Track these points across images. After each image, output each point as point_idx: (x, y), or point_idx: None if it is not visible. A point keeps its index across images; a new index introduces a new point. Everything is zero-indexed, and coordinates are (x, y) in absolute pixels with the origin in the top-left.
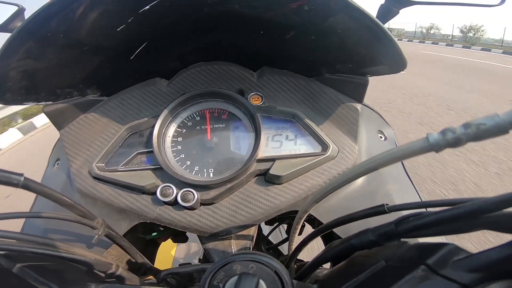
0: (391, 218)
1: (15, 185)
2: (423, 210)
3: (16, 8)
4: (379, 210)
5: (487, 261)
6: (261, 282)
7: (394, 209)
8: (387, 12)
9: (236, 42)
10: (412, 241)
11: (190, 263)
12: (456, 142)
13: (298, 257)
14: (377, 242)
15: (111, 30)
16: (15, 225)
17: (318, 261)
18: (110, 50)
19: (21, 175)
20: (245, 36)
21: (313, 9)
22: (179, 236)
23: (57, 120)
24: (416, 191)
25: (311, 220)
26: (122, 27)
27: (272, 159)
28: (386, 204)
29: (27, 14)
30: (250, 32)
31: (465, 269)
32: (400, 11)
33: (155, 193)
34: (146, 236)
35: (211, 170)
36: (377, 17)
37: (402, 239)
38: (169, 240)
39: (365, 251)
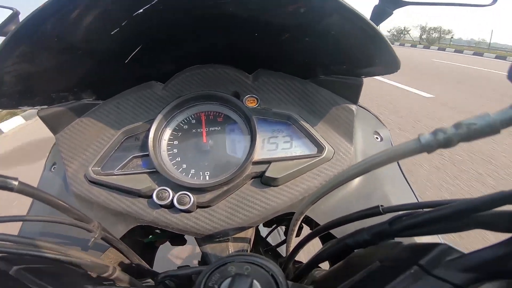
0: (386, 219)
1: (10, 189)
2: (418, 210)
3: (10, 11)
4: (374, 211)
5: (479, 261)
6: (255, 282)
7: (389, 210)
8: (381, 13)
9: (231, 44)
10: (407, 241)
11: (188, 266)
12: (447, 143)
13: (297, 259)
14: (372, 242)
15: (105, 34)
16: (12, 230)
17: (315, 261)
18: (104, 53)
19: (16, 179)
20: (240, 39)
21: (309, 11)
22: (177, 239)
23: (53, 124)
24: (413, 191)
25: (309, 222)
26: (116, 30)
27: (268, 162)
28: (381, 206)
29: (22, 18)
30: (245, 35)
31: (458, 269)
32: (393, 12)
33: (151, 197)
34: (144, 239)
35: (207, 173)
36: (371, 18)
37: (397, 239)
38: (168, 243)
39: (361, 251)
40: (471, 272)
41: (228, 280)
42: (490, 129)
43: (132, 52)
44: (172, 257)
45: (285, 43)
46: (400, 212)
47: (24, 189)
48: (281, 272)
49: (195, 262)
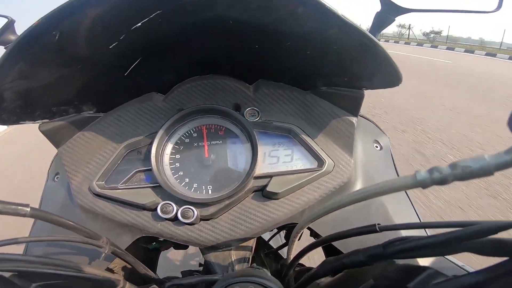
0: (383, 236)
1: (23, 215)
2: (412, 231)
3: (5, 20)
4: (371, 229)
5: (463, 285)
6: None
7: (385, 229)
8: (382, 20)
9: (231, 55)
10: (400, 260)
11: (191, 270)
12: (442, 181)
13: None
14: (366, 263)
15: (104, 48)
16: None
17: (313, 276)
18: (104, 67)
19: (27, 205)
20: (240, 49)
21: (308, 17)
22: (180, 245)
23: (55, 138)
24: (411, 202)
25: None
26: (114, 44)
27: (269, 176)
28: (378, 224)
29: (17, 26)
30: (245, 45)
31: None
32: (395, 19)
33: (155, 210)
34: (148, 245)
35: (209, 187)
36: (372, 25)
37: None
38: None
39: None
40: None
41: None
42: (483, 172)
43: (131, 65)
44: (174, 258)
45: (286, 54)
46: (395, 237)
47: (36, 214)
48: None
49: (195, 263)
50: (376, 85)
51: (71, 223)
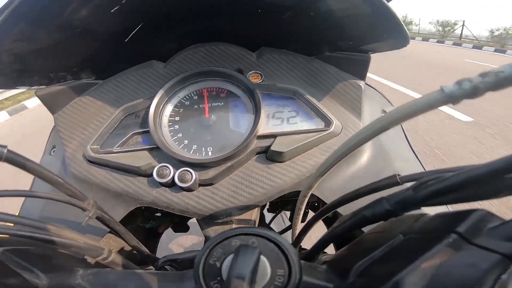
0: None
1: None
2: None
3: None
4: (391, 182)
5: None
6: (263, 258)
7: (408, 180)
8: None
9: (233, 23)
10: (431, 212)
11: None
12: (474, 92)
13: (302, 246)
14: (394, 212)
15: (105, 11)
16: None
17: (327, 239)
18: (104, 32)
19: (5, 146)
20: (242, 20)
21: None
22: (180, 225)
23: (51, 104)
24: (424, 168)
25: (315, 207)
26: (116, 8)
27: (273, 136)
28: (398, 175)
29: None
30: (247, 13)
31: (503, 237)
32: None
33: (151, 175)
34: (145, 224)
35: (209, 149)
36: None
37: (419, 212)
38: (170, 234)
39: (377, 227)
40: None
41: (232, 255)
42: None
43: (132, 31)
44: (175, 248)
45: (288, 21)
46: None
47: (12, 158)
48: (293, 249)
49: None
50: (382, 48)
51: (54, 176)
